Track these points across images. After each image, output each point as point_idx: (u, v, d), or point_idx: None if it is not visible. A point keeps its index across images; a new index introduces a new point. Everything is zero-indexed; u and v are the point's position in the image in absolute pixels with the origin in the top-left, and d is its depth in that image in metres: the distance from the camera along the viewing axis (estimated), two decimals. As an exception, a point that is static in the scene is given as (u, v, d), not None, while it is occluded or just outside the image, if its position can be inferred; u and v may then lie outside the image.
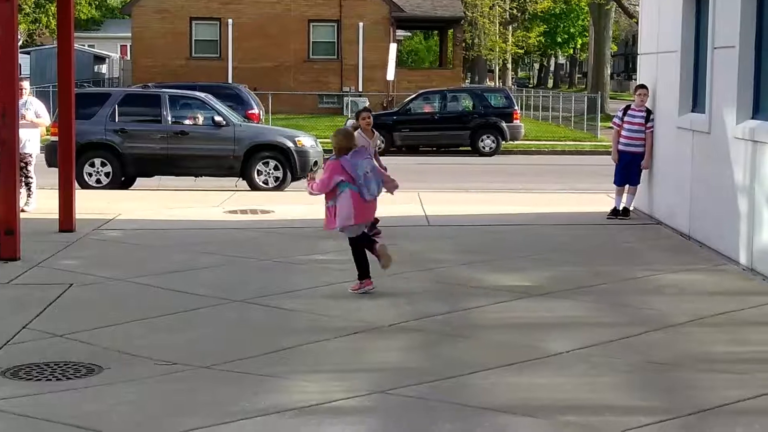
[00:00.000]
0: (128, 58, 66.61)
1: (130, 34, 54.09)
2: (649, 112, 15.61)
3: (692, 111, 14.17)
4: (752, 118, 11.91)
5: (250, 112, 30.30)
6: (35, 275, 11.44)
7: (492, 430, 6.54)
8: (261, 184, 21.13)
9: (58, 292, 10.57)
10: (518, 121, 34.37)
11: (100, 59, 69.25)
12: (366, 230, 10.99)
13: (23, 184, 15.64)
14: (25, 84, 16.66)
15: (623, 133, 15.74)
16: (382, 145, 12.35)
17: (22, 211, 13.69)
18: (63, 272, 11.61)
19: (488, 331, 9.19)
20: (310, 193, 11.03)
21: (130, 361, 8.23)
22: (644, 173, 15.76)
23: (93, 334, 9.04)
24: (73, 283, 10.97)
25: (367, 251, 10.72)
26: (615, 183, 15.92)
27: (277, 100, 42.45)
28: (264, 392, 7.37)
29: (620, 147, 15.81)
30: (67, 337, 8.93)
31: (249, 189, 20.93)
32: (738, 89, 12.02)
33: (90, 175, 20.69)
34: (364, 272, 10.62)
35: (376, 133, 14.33)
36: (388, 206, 16.87)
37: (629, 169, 15.69)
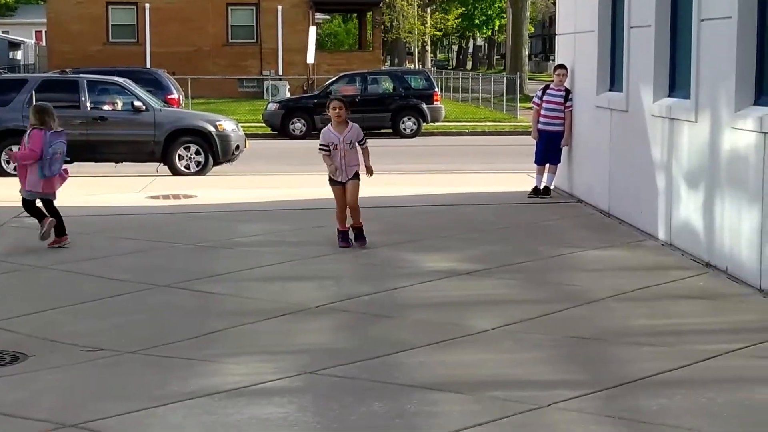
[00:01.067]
0: (44, 44, 65.57)
1: (45, 20, 53.35)
2: (567, 91, 15.78)
3: (610, 90, 14.37)
4: (669, 95, 12.12)
5: (169, 96, 30.07)
6: (-45, 266, 11.28)
7: (421, 406, 6.61)
8: (182, 169, 21.00)
9: (-21, 280, 10.44)
10: (438, 102, 34.52)
11: (14, 45, 68.17)
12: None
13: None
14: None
15: (542, 112, 15.91)
16: (364, 141, 12.04)
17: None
18: (-17, 260, 11.46)
19: (415, 310, 9.26)
20: (15, 161, 12.60)
21: (55, 348, 8.17)
22: (564, 152, 15.94)
23: (16, 321, 8.95)
24: (-5, 271, 10.84)
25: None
26: (535, 162, 16.08)
27: (197, 84, 42.15)
28: (193, 376, 7.36)
29: (540, 126, 15.98)
30: (-10, 326, 8.83)
31: (170, 174, 20.79)
32: (654, 68, 12.22)
33: (8, 162, 20.39)
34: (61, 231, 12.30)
35: (352, 125, 11.93)
36: (311, 189, 16.94)
37: (549, 147, 15.87)
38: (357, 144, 11.86)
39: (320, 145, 11.90)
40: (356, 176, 11.96)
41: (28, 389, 7.16)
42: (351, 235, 12.09)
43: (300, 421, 6.37)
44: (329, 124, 11.98)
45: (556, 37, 17.44)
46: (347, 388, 7.02)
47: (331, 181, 12.00)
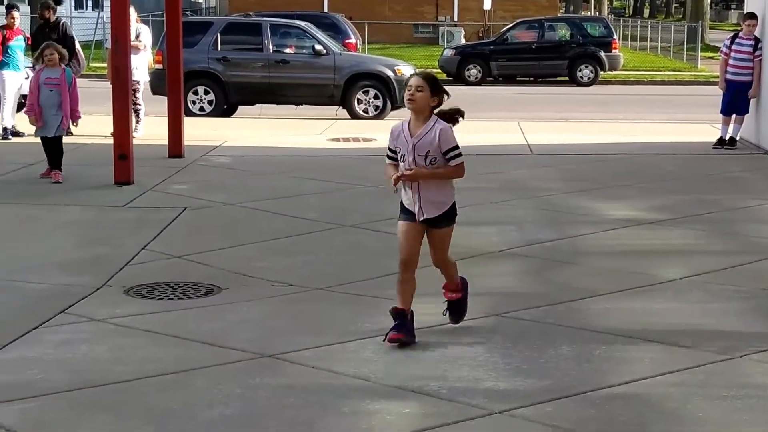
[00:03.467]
0: (223, -13, 66.73)
1: (225, -36, 54.22)
2: (757, 40, 15.36)
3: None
4: None
5: (347, 41, 30.30)
6: (149, 199, 11.71)
7: (610, 352, 6.61)
8: (361, 112, 21.22)
9: (172, 215, 10.82)
10: (617, 50, 33.91)
11: (195, -11, 69.54)
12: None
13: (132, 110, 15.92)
14: (133, 11, 16.89)
15: (730, 61, 15.53)
16: (456, 155, 6.74)
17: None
18: (176, 196, 11.87)
19: (598, 257, 9.22)
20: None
21: (246, 282, 8.44)
22: (752, 103, 15.54)
23: (209, 255, 9.27)
24: (187, 207, 11.21)
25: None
26: (721, 112, 15.72)
27: (373, 29, 42.34)
28: (381, 314, 7.48)
29: (727, 76, 15.60)
30: (185, 259, 9.17)
31: (349, 117, 21.04)
32: None
33: (194, 102, 20.94)
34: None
35: (438, 125, 6.81)
36: (487, 135, 16.94)
37: (736, 98, 15.49)
38: (443, 158, 6.80)
39: (389, 149, 6.93)
40: (447, 218, 6.87)
41: (224, 320, 7.43)
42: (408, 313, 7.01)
43: (489, 362, 6.45)
44: (404, 123, 6.88)
45: (747, -16, 16.93)
46: (534, 331, 7.07)
47: (402, 210, 6.95)
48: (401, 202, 6.86)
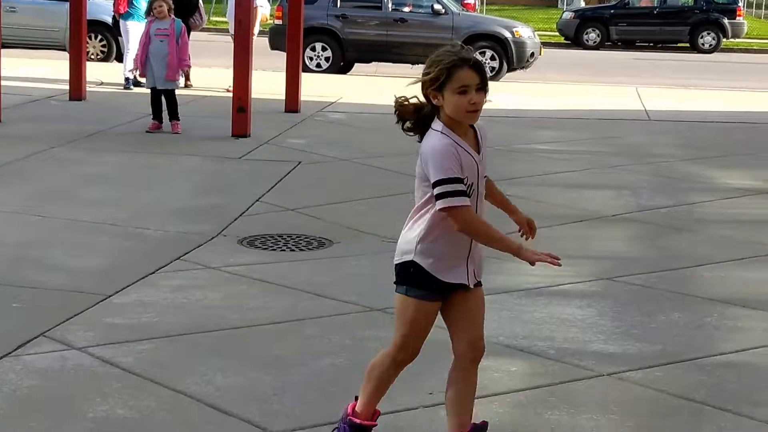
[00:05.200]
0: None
1: None
2: None
3: None
4: None
5: (465, 1, 30.21)
6: (265, 152, 11.87)
7: (722, 320, 6.52)
8: (477, 73, 21.10)
9: (287, 168, 10.95)
10: (741, 17, 33.20)
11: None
12: None
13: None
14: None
15: None
16: None
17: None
18: (291, 150, 12.00)
19: (714, 225, 9.08)
20: None
21: (358, 237, 8.50)
22: None
23: (323, 209, 9.36)
24: (301, 161, 11.32)
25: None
26: None
27: (492, -10, 42.07)
28: (491, 273, 7.40)
29: None
30: (298, 212, 9.27)
31: (464, 78, 20.93)
32: None
33: (311, 59, 21.09)
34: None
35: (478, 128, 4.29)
36: (604, 99, 16.76)
37: None
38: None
39: (442, 178, 4.09)
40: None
41: (335, 273, 7.51)
42: None
43: (598, 324, 6.42)
44: (438, 128, 4.20)
45: None
46: (646, 297, 7.01)
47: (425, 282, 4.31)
48: (419, 271, 4.27)
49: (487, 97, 4.16)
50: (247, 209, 9.30)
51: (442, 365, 5.61)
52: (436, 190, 4.05)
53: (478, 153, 4.19)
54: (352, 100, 16.23)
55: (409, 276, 4.27)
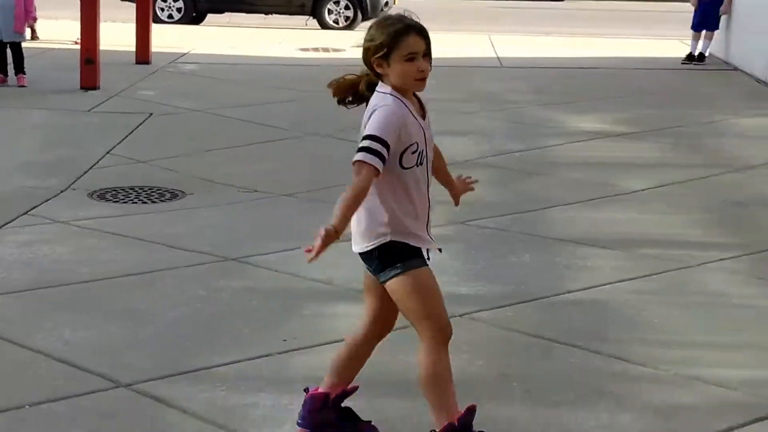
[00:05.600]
0: None
1: None
2: (729, -44, 15.27)
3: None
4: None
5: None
6: (115, 104, 11.64)
7: (573, 260, 6.65)
8: (331, 23, 21.04)
9: (138, 120, 10.75)
10: (590, -34, 33.68)
11: None
12: None
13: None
14: None
15: (702, -22, 15.47)
16: None
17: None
18: (142, 102, 11.79)
19: (565, 168, 9.24)
20: None
21: (212, 188, 8.41)
22: (722, 19, 15.51)
23: (175, 161, 9.23)
24: (153, 113, 11.13)
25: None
26: (692, 28, 15.70)
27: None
28: (345, 220, 7.50)
29: (699, -8, 15.55)
30: (150, 164, 9.13)
31: (319, 28, 20.86)
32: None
33: (162, 9, 20.70)
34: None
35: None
36: (456, 48, 16.85)
37: (707, 14, 15.45)
38: None
39: (375, 138, 3.88)
40: None
41: (189, 224, 7.41)
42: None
43: (451, 267, 6.47)
44: (387, 91, 4.01)
45: None
46: (499, 239, 7.10)
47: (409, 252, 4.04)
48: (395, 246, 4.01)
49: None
50: (97, 162, 9.11)
51: (294, 313, 5.61)
52: (363, 143, 3.86)
53: (423, 119, 4.05)
54: (204, 51, 16.00)
55: (390, 255, 3.97)
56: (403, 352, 4.67)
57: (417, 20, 3.98)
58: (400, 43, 3.91)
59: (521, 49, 17.43)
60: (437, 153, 4.29)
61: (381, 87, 4.00)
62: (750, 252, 6.85)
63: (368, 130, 3.88)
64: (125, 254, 6.60)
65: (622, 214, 7.78)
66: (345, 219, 3.87)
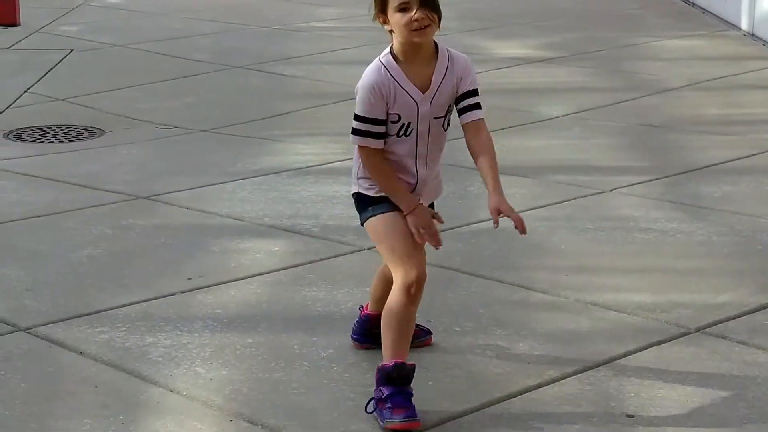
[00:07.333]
0: None
1: None
2: None
3: None
4: None
5: None
6: (35, 41, 11.47)
7: (484, 188, 6.57)
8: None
9: (58, 57, 10.62)
10: None
11: None
12: None
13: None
14: None
15: None
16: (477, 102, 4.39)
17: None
18: (63, 38, 11.63)
19: (486, 96, 9.13)
20: None
21: (131, 125, 8.35)
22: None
23: (94, 98, 9.14)
24: (73, 49, 11.00)
25: None
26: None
27: None
28: (262, 154, 7.50)
29: None
30: (69, 101, 9.03)
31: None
32: None
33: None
34: None
35: (454, 56, 4.03)
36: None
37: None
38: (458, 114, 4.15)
39: (357, 117, 3.89)
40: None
41: (104, 163, 7.36)
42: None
43: (364, 199, 6.47)
44: (381, 56, 3.91)
45: None
46: (413, 169, 7.09)
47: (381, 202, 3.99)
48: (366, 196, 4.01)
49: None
50: (15, 101, 9.01)
51: (202, 251, 5.59)
52: (353, 124, 3.87)
53: (428, 89, 3.86)
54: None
55: (363, 201, 4.00)
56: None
57: None
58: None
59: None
60: (480, 142, 4.20)
61: (387, 48, 3.89)
62: (664, 176, 6.90)
63: (355, 108, 3.87)
64: (34, 195, 6.54)
65: (538, 140, 7.81)
66: (385, 190, 3.93)
